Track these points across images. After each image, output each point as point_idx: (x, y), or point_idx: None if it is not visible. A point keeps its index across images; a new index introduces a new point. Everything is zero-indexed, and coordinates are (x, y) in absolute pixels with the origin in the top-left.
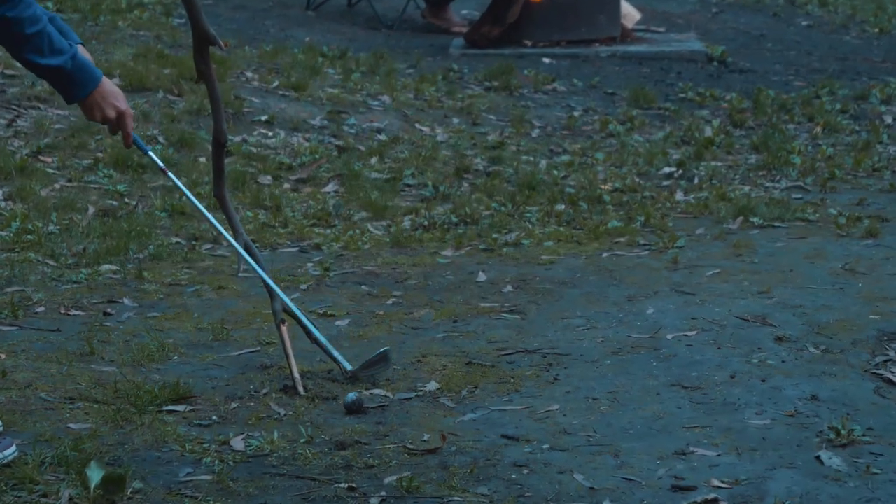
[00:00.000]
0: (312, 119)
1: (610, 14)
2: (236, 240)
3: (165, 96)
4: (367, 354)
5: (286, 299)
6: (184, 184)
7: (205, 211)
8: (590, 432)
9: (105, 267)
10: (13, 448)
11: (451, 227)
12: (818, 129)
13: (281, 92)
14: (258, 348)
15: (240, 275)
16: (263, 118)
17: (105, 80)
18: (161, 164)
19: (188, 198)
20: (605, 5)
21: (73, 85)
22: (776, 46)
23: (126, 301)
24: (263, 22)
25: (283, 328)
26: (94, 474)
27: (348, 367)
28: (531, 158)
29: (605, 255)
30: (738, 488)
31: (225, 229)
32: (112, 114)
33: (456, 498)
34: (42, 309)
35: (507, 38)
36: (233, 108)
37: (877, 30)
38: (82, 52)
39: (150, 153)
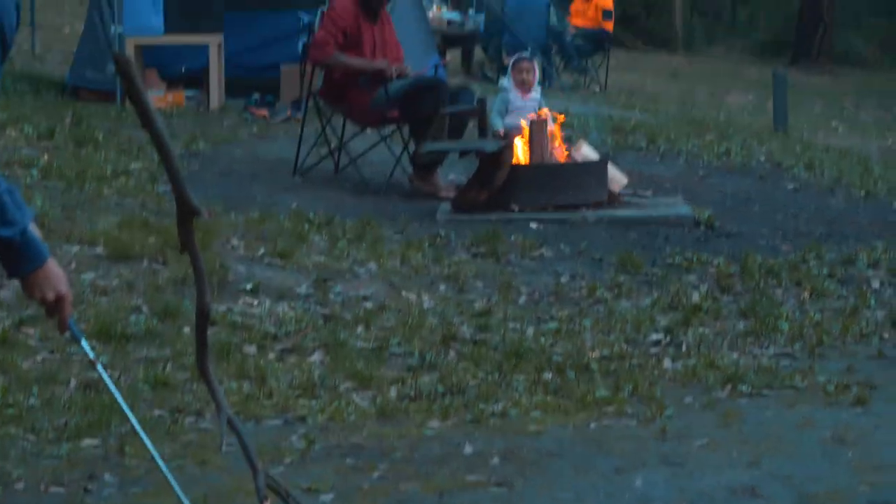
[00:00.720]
0: (298, 287)
1: (597, 178)
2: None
3: (150, 265)
4: None
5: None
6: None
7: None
8: None
9: (86, 441)
10: None
11: (438, 398)
12: (806, 294)
13: (267, 260)
14: None
15: (223, 449)
16: (248, 287)
17: (51, 261)
18: (92, 355)
19: (118, 400)
20: (593, 170)
21: (20, 259)
22: (763, 209)
23: (107, 476)
24: (250, 187)
25: None
26: None
27: None
28: (518, 326)
29: (592, 425)
30: None
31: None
32: (51, 296)
33: None
34: (21, 485)
35: (494, 203)
36: (217, 277)
37: (863, 193)
38: (33, 228)
39: (84, 343)
